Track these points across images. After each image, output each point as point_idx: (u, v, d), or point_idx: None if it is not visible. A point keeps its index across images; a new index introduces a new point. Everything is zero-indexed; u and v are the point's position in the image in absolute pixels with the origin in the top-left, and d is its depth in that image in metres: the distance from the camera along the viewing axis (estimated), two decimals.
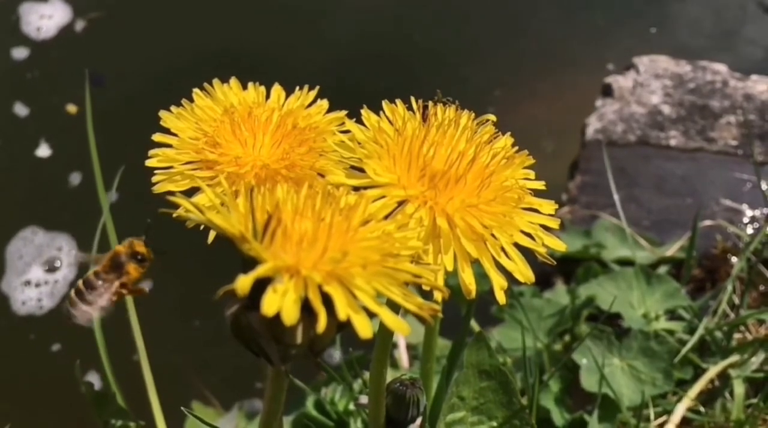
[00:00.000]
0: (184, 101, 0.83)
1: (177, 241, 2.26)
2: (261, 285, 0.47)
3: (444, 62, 2.71)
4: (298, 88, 0.85)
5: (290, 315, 0.45)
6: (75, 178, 2.39)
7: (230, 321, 0.51)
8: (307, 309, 0.47)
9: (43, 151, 2.50)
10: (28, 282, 2.15)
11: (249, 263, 0.49)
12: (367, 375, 1.23)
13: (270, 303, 0.45)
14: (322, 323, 0.46)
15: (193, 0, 2.97)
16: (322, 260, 0.48)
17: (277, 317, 0.46)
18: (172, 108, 0.82)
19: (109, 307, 0.68)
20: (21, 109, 2.61)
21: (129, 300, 1.15)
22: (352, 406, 1.26)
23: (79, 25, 2.84)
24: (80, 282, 0.67)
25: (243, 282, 0.46)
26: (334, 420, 1.27)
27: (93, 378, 1.96)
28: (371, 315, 0.48)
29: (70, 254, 2.21)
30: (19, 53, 2.76)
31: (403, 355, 1.42)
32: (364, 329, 0.47)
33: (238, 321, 0.51)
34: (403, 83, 2.52)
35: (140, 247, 0.65)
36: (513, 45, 2.81)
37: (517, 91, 2.62)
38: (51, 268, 2.19)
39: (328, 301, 0.48)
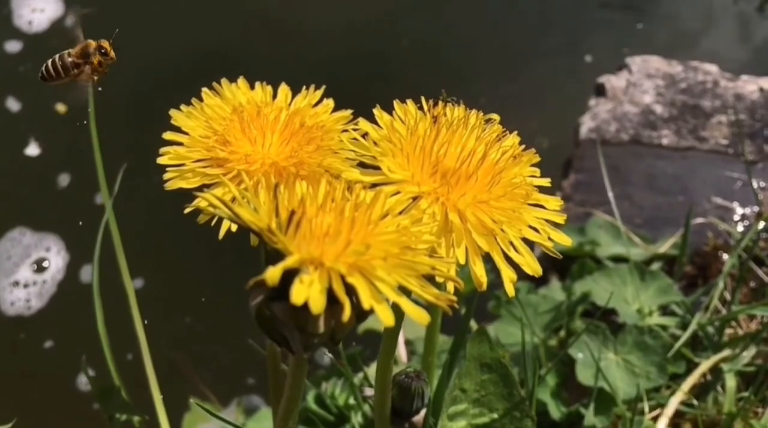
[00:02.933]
0: (193, 100, 0.84)
1: (167, 244, 2.26)
2: (285, 277, 0.50)
3: (431, 61, 2.73)
4: (304, 87, 0.87)
5: (317, 304, 0.47)
6: (63, 179, 2.39)
7: (254, 311, 0.53)
8: (329, 300, 0.50)
9: (33, 149, 2.49)
10: (16, 283, 2.15)
11: (273, 256, 0.52)
12: (368, 368, 1.26)
13: (298, 294, 0.47)
14: (347, 312, 0.48)
15: (186, 1, 2.97)
16: (345, 252, 0.50)
17: (301, 307, 0.49)
18: (182, 106, 0.84)
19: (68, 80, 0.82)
20: (13, 104, 2.61)
21: (131, 296, 1.17)
22: (352, 400, 1.28)
23: (71, 20, 2.85)
24: (57, 56, 0.79)
25: (272, 273, 0.48)
26: (335, 414, 1.29)
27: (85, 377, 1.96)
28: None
29: (59, 255, 2.22)
30: (12, 46, 2.76)
31: (401, 350, 1.44)
32: (387, 318, 0.49)
33: (261, 311, 0.53)
34: (391, 82, 2.54)
35: (105, 44, 0.75)
36: (498, 44, 2.83)
37: (505, 91, 2.64)
38: (39, 269, 2.19)
39: (348, 292, 0.50)
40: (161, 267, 2.13)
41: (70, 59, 0.77)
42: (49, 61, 0.79)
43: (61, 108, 2.59)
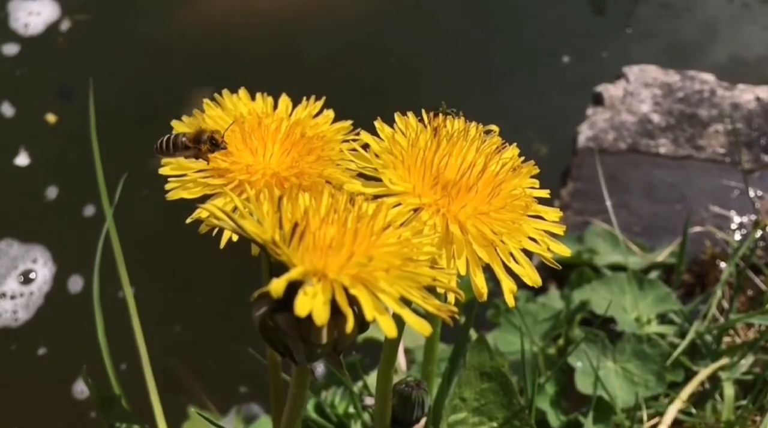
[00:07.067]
0: (195, 110, 0.85)
1: (156, 253, 2.27)
2: (289, 289, 0.50)
3: (422, 77, 2.74)
4: (305, 98, 0.88)
5: (321, 316, 0.48)
6: (52, 190, 2.38)
7: (258, 322, 0.54)
8: (332, 311, 0.50)
9: (22, 159, 2.49)
10: (3, 295, 2.14)
11: (276, 267, 0.52)
12: (367, 377, 1.26)
13: (302, 305, 0.48)
14: (350, 324, 0.49)
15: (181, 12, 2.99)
16: (348, 264, 0.51)
17: (305, 318, 0.49)
18: (184, 117, 0.85)
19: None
20: (7, 109, 2.61)
21: (131, 305, 1.17)
22: (351, 409, 1.28)
23: (65, 25, 2.85)
24: (173, 136, 0.81)
25: (277, 285, 0.48)
26: (334, 422, 1.29)
27: (81, 386, 1.96)
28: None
29: (46, 266, 2.21)
30: (8, 49, 2.77)
31: (401, 359, 1.44)
32: (390, 330, 0.49)
33: (265, 322, 0.54)
34: (382, 100, 2.54)
35: (218, 136, 0.78)
36: (489, 55, 2.85)
37: (499, 100, 2.66)
38: (26, 280, 2.18)
39: (350, 303, 0.51)
40: (150, 276, 2.13)
41: (183, 140, 0.80)
42: (165, 137, 0.82)
43: (50, 118, 2.59)
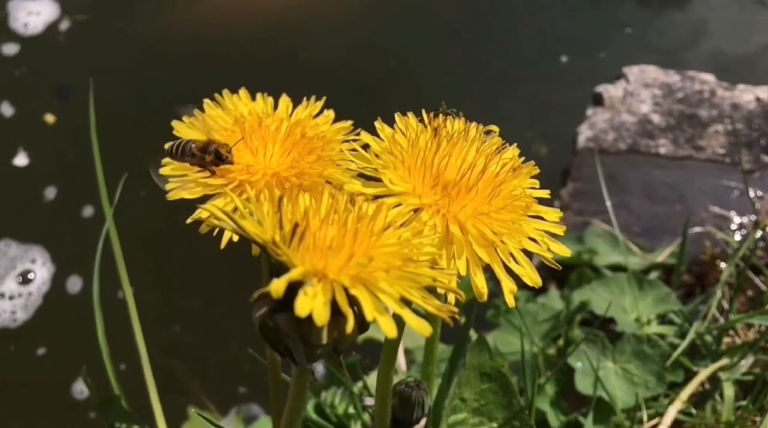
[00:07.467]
0: (195, 111, 0.85)
1: (158, 252, 2.26)
2: (289, 289, 0.50)
3: (420, 79, 2.74)
4: (305, 98, 0.88)
5: (321, 316, 0.48)
6: (50, 191, 2.38)
7: (258, 323, 0.54)
8: (332, 311, 0.50)
9: (21, 159, 2.48)
10: (1, 295, 2.13)
11: (277, 268, 0.52)
12: (367, 378, 1.26)
13: (302, 306, 0.48)
14: (351, 324, 0.49)
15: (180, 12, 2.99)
16: (348, 265, 0.51)
17: (305, 319, 0.49)
18: (184, 118, 0.85)
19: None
20: (7, 109, 2.61)
21: (131, 306, 1.18)
22: (351, 409, 1.28)
23: (65, 25, 2.85)
24: (183, 142, 0.80)
25: (277, 286, 0.48)
26: (334, 423, 1.29)
27: (80, 386, 1.96)
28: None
29: (44, 266, 2.21)
30: (8, 49, 2.77)
31: (401, 359, 1.44)
32: (390, 330, 0.49)
33: (265, 323, 0.54)
34: (381, 102, 2.54)
35: (224, 149, 0.77)
36: (487, 57, 2.84)
37: (498, 100, 2.66)
38: (25, 281, 2.18)
39: (351, 303, 0.51)
40: (150, 276, 2.13)
41: (192, 147, 0.80)
42: (177, 142, 0.81)
43: (49, 118, 2.59)
